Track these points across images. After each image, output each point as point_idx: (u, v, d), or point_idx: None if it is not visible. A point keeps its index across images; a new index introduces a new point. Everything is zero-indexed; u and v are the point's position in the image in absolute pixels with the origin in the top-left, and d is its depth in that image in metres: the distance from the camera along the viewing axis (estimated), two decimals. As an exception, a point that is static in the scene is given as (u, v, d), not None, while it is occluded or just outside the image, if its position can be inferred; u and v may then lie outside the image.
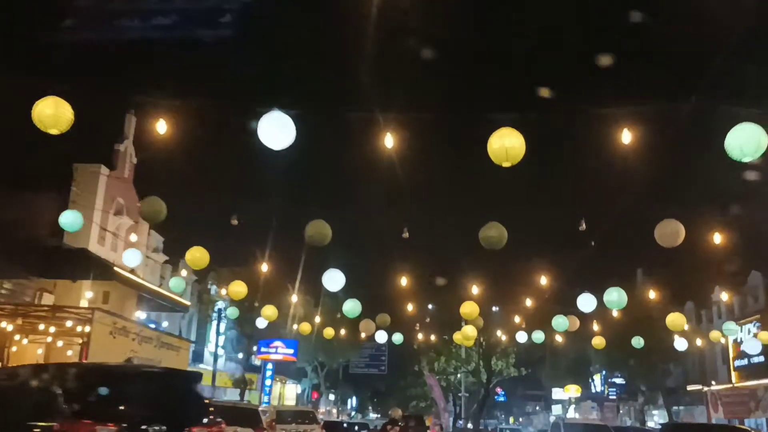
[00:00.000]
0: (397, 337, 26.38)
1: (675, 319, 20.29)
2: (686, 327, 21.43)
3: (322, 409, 68.02)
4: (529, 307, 22.65)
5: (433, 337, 30.09)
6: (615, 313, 22.11)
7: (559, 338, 27.57)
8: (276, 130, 8.68)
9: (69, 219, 14.67)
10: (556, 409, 71.86)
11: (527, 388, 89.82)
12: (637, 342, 25.47)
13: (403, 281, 17.94)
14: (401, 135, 9.01)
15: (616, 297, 17.17)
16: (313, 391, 51.20)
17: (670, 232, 11.02)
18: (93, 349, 18.53)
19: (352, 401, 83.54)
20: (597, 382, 54.25)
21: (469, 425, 45.35)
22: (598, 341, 24.81)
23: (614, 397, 48.20)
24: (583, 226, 13.76)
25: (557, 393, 67.14)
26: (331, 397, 70.84)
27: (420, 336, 26.95)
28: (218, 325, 39.86)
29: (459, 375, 44.50)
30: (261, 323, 25.36)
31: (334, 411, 71.55)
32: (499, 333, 28.96)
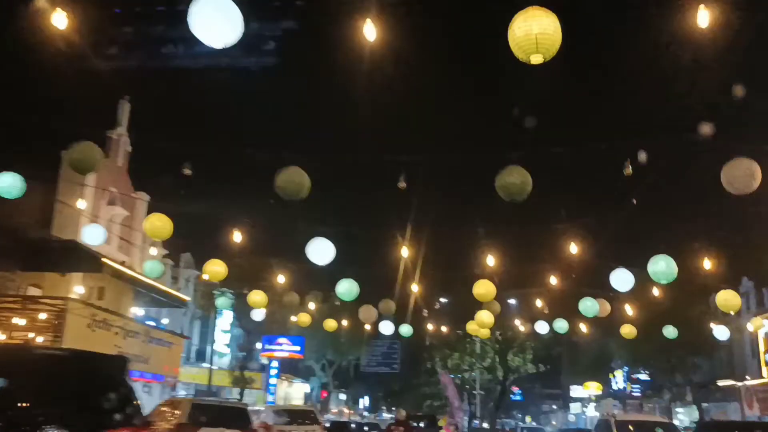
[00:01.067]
0: (406, 329, 23.80)
1: (728, 298, 17.02)
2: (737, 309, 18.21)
3: (334, 410, 66.34)
4: (552, 288, 19.48)
5: (444, 329, 27.68)
6: (656, 292, 19.39)
7: (584, 327, 24.95)
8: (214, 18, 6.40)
9: (7, 182, 12.36)
10: (575, 408, 69.49)
11: (544, 386, 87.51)
12: (671, 332, 22.84)
13: (406, 255, 15.71)
14: (390, 30, 6.89)
15: (663, 267, 14.07)
16: (322, 390, 49.19)
17: (743, 174, 8.81)
18: (68, 343, 16.71)
19: (365, 401, 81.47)
20: (618, 379, 51.78)
21: (485, 425, 43.29)
22: (628, 330, 22.15)
23: (638, 394, 45.83)
24: (629, 170, 11.36)
25: (575, 391, 64.88)
26: (342, 396, 68.91)
27: (430, 326, 24.45)
28: (214, 318, 37.85)
29: (474, 372, 42.37)
30: (257, 315, 23.47)
31: (346, 411, 69.84)
32: (517, 322, 26.22)
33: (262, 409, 21.13)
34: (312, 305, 26.63)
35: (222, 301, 21.95)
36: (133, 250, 33.97)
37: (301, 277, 22.76)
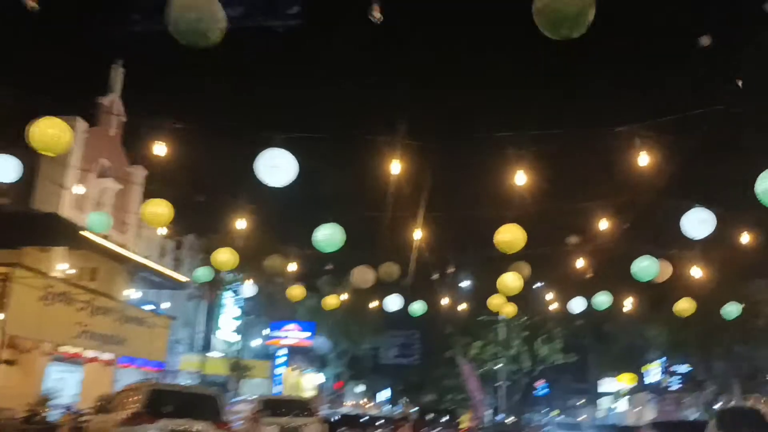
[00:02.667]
0: (418, 307, 19.67)
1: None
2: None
3: (349, 402, 63.71)
4: (596, 243, 14.81)
5: (463, 306, 24.40)
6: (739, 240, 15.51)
7: (629, 304, 21.07)
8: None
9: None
10: (604, 402, 65.87)
11: (571, 379, 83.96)
12: (732, 311, 19.08)
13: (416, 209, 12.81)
14: None
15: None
16: (337, 381, 46.43)
17: None
18: (14, 318, 14.09)
19: (385, 393, 78.74)
20: (654, 371, 48.19)
21: (510, 419, 40.19)
22: (686, 306, 18.20)
23: (678, 387, 42.30)
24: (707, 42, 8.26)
25: (605, 384, 61.40)
26: (361, 388, 66.29)
27: (445, 302, 20.84)
28: (214, 306, 35.12)
29: (498, 362, 39.35)
30: (247, 291, 20.73)
31: (360, 402, 67.17)
32: (548, 297, 22.40)
33: (250, 398, 18.35)
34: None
35: (202, 271, 19.21)
36: (128, 227, 31.55)
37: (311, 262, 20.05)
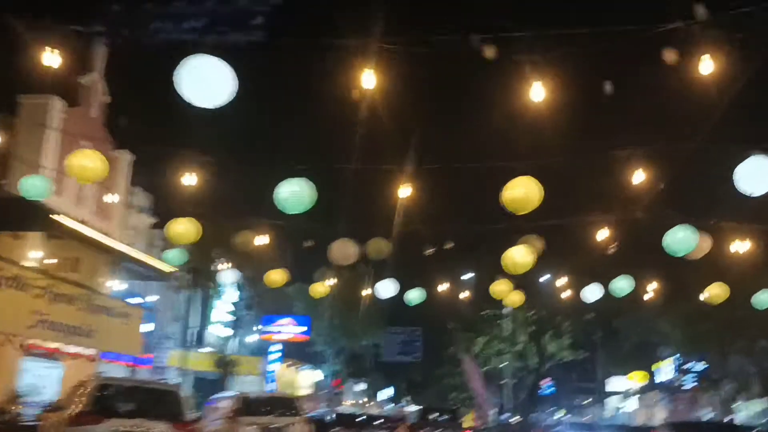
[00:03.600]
0: (416, 295, 17.42)
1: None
2: None
3: (349, 401, 61.91)
4: (622, 213, 12.46)
5: (466, 294, 22.42)
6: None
7: (652, 288, 18.65)
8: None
9: None
10: (612, 402, 63.82)
11: (576, 378, 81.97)
12: (765, 300, 16.98)
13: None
14: None
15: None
16: (335, 379, 44.60)
17: None
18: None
19: (387, 392, 76.95)
20: (666, 369, 46.20)
21: (515, 418, 38.29)
22: (718, 292, 16.01)
23: (694, 385, 40.30)
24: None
25: (613, 383, 59.39)
26: (361, 386, 64.48)
27: (442, 288, 18.59)
28: (207, 300, 33.29)
29: (503, 359, 37.46)
30: (225, 277, 18.97)
31: (364, 402, 65.38)
32: (560, 283, 19.93)
33: (227, 395, 16.58)
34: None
35: (172, 255, 17.44)
36: (113, 215, 29.89)
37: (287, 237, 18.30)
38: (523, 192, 8.07)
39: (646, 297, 19.82)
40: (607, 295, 29.91)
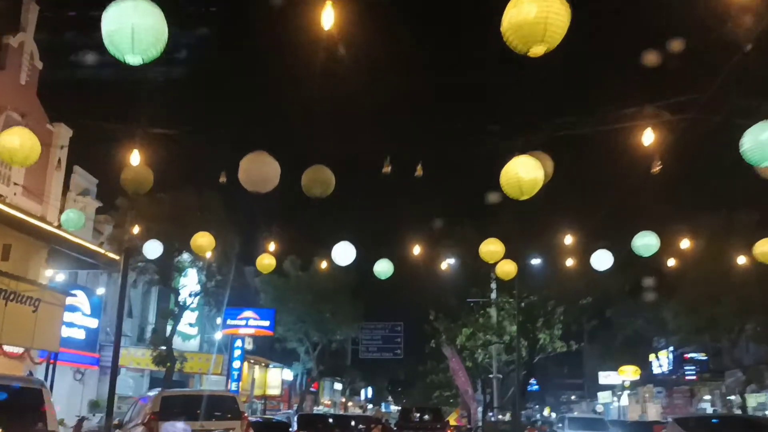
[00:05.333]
0: (383, 267, 14.31)
1: None
2: None
3: (327, 401, 58.67)
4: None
5: (451, 261, 19.22)
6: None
7: (684, 245, 15.25)
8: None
9: None
10: (603, 397, 61.17)
11: (563, 374, 79.56)
12: None
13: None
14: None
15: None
16: (308, 377, 41.25)
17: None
18: None
19: (367, 392, 73.69)
20: (663, 361, 43.47)
21: (506, 416, 35.37)
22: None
23: (693, 378, 37.56)
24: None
25: (602, 378, 56.73)
26: (338, 386, 61.25)
27: (417, 250, 15.27)
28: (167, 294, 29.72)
29: (489, 352, 34.45)
30: (150, 251, 15.71)
31: (342, 402, 62.18)
32: (568, 241, 16.25)
33: (151, 395, 13.30)
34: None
35: (70, 216, 14.16)
36: (48, 196, 26.45)
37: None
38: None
39: (670, 263, 16.85)
40: (600, 282, 27.24)
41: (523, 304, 28.48)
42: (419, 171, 8.98)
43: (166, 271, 21.15)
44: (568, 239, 13.80)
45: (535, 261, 27.08)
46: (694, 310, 25.89)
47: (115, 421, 15.76)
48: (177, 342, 37.32)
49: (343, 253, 11.99)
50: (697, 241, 17.47)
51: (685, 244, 15.72)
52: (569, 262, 14.94)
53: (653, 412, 48.67)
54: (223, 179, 9.80)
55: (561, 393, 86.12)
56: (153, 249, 15.36)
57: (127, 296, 33.19)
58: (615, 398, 56.33)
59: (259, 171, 6.80)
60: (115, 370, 19.48)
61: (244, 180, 6.87)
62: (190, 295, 22.41)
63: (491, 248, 11.89)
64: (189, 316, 38.41)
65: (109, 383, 19.75)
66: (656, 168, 7.88)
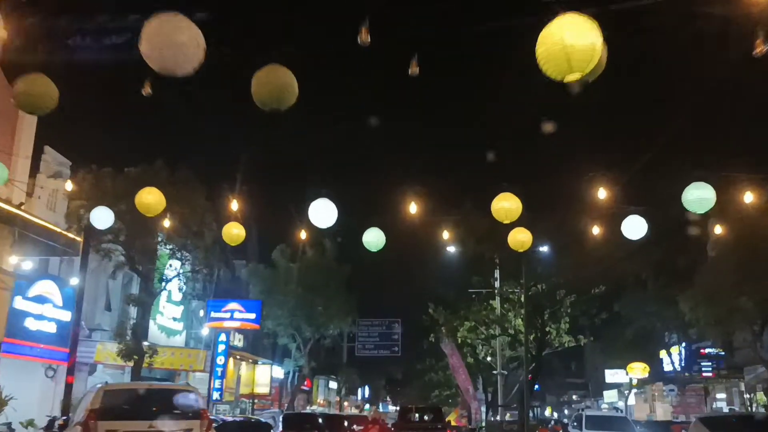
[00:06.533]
0: (373, 237, 11.82)
1: None
2: None
3: (321, 401, 56.55)
4: None
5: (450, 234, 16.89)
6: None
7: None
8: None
9: None
10: (609, 396, 58.96)
11: (563, 372, 77.33)
12: None
13: None
14: None
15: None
16: (299, 374, 38.89)
17: None
18: None
19: (364, 391, 71.48)
20: (674, 357, 41.21)
21: (512, 416, 33.18)
22: None
23: (710, 374, 35.37)
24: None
25: (610, 376, 54.57)
26: (333, 385, 59.02)
27: (414, 209, 12.69)
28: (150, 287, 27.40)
29: (493, 347, 32.34)
30: (98, 219, 13.44)
31: (337, 401, 60.05)
32: (601, 193, 13.68)
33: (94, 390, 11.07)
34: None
35: None
36: (14, 176, 24.32)
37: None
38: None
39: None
40: (614, 270, 25.05)
41: (530, 292, 26.30)
42: (414, 67, 6.85)
43: (132, 255, 18.96)
44: (599, 195, 11.43)
45: (543, 249, 25.08)
46: (713, 303, 23.78)
47: (60, 420, 13.67)
48: (161, 337, 35.35)
49: (322, 212, 9.83)
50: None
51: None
52: (596, 230, 12.64)
53: (662, 411, 46.57)
54: (147, 90, 7.69)
55: (562, 392, 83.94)
56: (101, 218, 13.21)
57: (105, 287, 31.41)
58: (623, 398, 54.07)
59: (169, 39, 4.57)
60: (73, 366, 17.42)
61: (148, 53, 4.66)
62: (161, 281, 20.20)
63: (505, 204, 9.66)
64: (174, 311, 36.30)
65: (64, 381, 17.67)
66: (761, 48, 5.72)
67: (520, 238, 10.95)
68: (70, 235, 19.88)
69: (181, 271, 21.53)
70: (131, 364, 19.30)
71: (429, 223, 14.12)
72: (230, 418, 16.64)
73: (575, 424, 22.38)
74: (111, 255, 19.48)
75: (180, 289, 24.26)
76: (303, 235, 13.32)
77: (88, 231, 17.73)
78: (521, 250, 11.42)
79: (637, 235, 10.85)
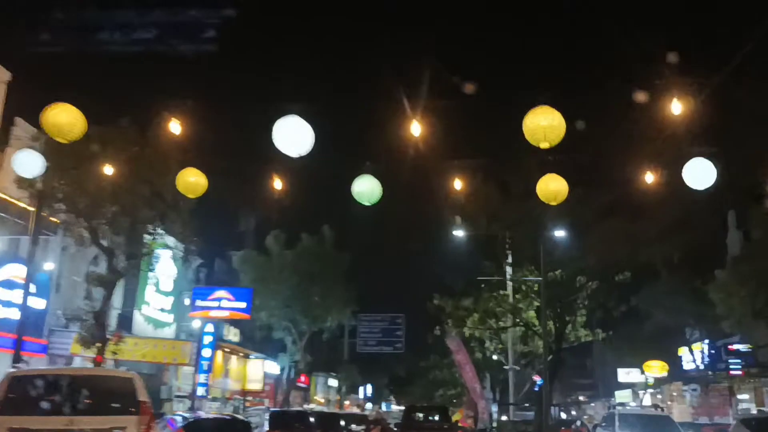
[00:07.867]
0: (366, 187, 9.05)
1: None
2: None
3: (320, 398, 54.30)
4: None
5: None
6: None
7: None
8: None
9: None
10: (622, 396, 56.36)
11: (571, 370, 74.84)
12: None
13: None
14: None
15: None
16: (295, 370, 36.33)
17: None
18: None
19: (366, 389, 69.04)
20: (696, 355, 38.63)
21: (525, 415, 30.80)
22: None
23: (738, 373, 32.80)
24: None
25: (623, 375, 52.02)
26: (333, 382, 56.72)
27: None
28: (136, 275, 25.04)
29: (503, 342, 29.97)
30: (21, 165, 11.14)
31: (337, 399, 57.82)
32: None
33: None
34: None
35: None
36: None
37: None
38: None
39: None
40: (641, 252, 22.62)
41: (548, 279, 23.88)
42: None
43: (94, 226, 16.62)
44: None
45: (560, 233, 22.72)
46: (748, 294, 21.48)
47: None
48: (148, 329, 33.13)
49: (293, 133, 7.47)
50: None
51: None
52: (649, 178, 10.13)
53: (677, 413, 44.10)
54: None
55: (568, 393, 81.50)
56: (26, 163, 10.87)
57: (86, 275, 29.12)
58: (637, 398, 51.50)
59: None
60: (17, 357, 15.23)
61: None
62: (128, 258, 17.89)
63: (552, 186, 8.27)
64: (162, 301, 34.06)
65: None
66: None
67: (552, 188, 8.58)
68: (21, 204, 17.57)
69: (154, 248, 19.22)
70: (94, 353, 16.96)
71: (438, 169, 11.67)
72: (204, 416, 14.42)
73: (604, 424, 19.87)
74: (72, 228, 17.16)
75: (150, 268, 21.58)
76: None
77: (40, 197, 15.43)
78: (554, 203, 9.09)
79: (705, 184, 8.51)
